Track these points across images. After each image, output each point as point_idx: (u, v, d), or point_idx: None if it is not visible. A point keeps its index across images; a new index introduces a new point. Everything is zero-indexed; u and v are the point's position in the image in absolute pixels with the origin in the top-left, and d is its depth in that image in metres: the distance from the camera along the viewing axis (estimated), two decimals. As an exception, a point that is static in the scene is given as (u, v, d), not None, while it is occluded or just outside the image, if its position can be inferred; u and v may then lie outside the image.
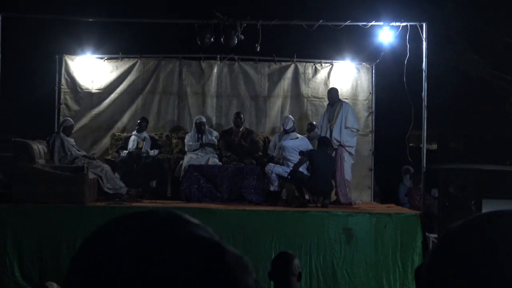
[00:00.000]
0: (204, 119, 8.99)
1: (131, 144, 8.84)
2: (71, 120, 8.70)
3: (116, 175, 8.11)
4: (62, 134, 8.21)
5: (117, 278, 0.70)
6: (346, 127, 8.32)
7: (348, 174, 8.36)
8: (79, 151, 8.30)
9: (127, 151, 8.70)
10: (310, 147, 8.27)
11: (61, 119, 9.02)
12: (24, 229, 6.61)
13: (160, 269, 0.71)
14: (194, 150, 8.63)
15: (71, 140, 8.34)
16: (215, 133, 8.98)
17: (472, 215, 0.88)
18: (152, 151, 8.77)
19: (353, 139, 8.46)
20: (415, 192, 10.04)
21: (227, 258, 0.74)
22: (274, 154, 8.65)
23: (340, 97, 8.72)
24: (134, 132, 8.96)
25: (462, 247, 0.83)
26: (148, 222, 0.76)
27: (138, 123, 8.96)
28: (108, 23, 9.92)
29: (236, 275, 0.73)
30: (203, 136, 8.82)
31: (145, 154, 8.58)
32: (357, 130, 8.58)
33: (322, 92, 9.58)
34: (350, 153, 8.44)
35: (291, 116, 8.99)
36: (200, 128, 8.82)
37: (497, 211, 0.87)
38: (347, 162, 8.37)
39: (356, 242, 6.76)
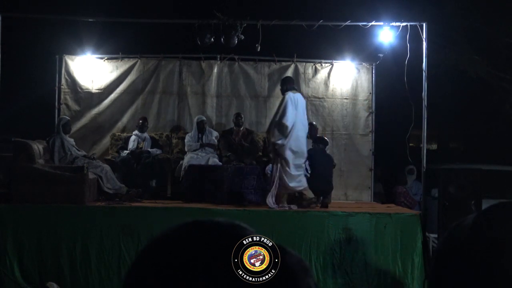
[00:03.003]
0: (204, 118, 9.01)
1: (132, 144, 8.84)
2: (66, 117, 8.77)
3: (116, 175, 8.11)
4: (62, 134, 8.20)
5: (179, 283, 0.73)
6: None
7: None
8: (79, 151, 8.30)
9: (127, 151, 8.70)
10: None
11: (59, 119, 9.04)
12: (24, 229, 6.60)
13: (224, 270, 0.73)
14: (194, 150, 8.63)
15: (71, 140, 8.34)
16: (215, 133, 8.98)
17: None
18: (154, 149, 8.78)
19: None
20: (398, 191, 10.01)
21: (289, 260, 0.76)
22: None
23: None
24: (135, 132, 8.96)
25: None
26: (211, 232, 0.78)
27: (141, 122, 8.96)
28: (108, 23, 9.91)
29: (298, 277, 0.75)
30: (203, 136, 8.82)
31: (146, 154, 8.59)
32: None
33: (322, 92, 9.58)
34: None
35: None
36: (201, 127, 8.82)
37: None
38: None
39: (356, 242, 6.75)
